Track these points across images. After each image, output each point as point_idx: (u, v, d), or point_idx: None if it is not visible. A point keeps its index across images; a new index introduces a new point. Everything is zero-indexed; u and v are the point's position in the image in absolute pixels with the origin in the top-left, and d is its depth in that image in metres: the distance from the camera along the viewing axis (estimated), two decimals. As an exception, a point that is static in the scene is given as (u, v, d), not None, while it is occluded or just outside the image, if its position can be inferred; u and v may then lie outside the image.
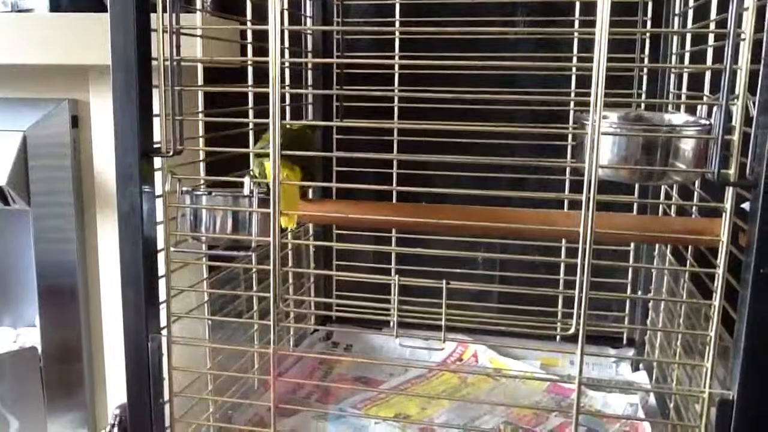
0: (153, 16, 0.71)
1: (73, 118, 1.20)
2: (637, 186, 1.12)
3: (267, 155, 0.73)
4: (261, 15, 0.97)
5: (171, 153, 0.72)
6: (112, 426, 1.05)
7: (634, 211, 1.13)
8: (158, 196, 0.75)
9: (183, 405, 0.84)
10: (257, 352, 1.01)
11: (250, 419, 0.99)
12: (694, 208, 0.92)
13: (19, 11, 1.16)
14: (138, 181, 0.71)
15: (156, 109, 0.73)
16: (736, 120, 0.64)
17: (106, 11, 0.70)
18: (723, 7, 0.80)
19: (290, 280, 1.20)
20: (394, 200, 1.13)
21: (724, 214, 0.67)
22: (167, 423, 0.78)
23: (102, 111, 1.17)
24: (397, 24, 1.20)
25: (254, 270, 0.99)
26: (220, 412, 0.96)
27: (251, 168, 0.82)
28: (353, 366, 1.18)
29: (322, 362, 1.19)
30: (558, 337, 1.15)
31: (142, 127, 0.71)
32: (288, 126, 0.82)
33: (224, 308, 0.97)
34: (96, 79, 1.17)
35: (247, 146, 0.95)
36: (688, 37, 0.99)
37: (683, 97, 0.99)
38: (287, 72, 1.11)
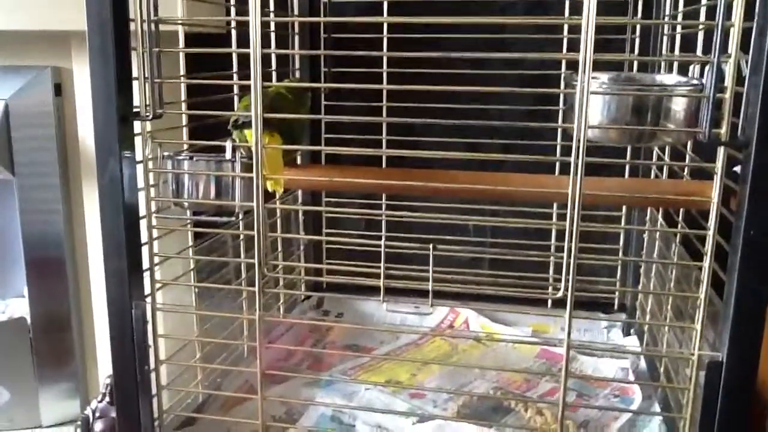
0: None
1: (56, 85, 1.18)
2: (629, 149, 1.11)
3: (245, 126, 0.72)
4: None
5: (150, 116, 0.71)
6: (104, 395, 1.05)
7: (626, 176, 1.12)
8: (139, 162, 0.73)
9: (171, 373, 0.83)
10: (247, 320, 1.00)
11: (240, 387, 0.98)
12: (685, 171, 0.91)
13: (-2, -25, 1.13)
14: (117, 146, 0.70)
15: (135, 73, 0.71)
16: (728, 79, 0.63)
17: (88, -24, 0.68)
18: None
19: (279, 248, 1.19)
20: (383, 165, 1.12)
21: (715, 175, 0.66)
22: (154, 390, 0.78)
23: (85, 78, 1.14)
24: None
25: (241, 236, 0.98)
26: (210, 379, 0.96)
27: (233, 135, 0.80)
28: (344, 334, 1.18)
29: (313, 330, 1.18)
30: (549, 304, 1.15)
31: (121, 90, 0.69)
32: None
33: (212, 276, 0.96)
34: (78, 46, 1.14)
35: (232, 111, 0.93)
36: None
37: (676, 56, 0.97)
38: (272, 36, 1.09)
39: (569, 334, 0.69)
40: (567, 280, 0.68)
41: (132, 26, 0.70)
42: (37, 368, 1.23)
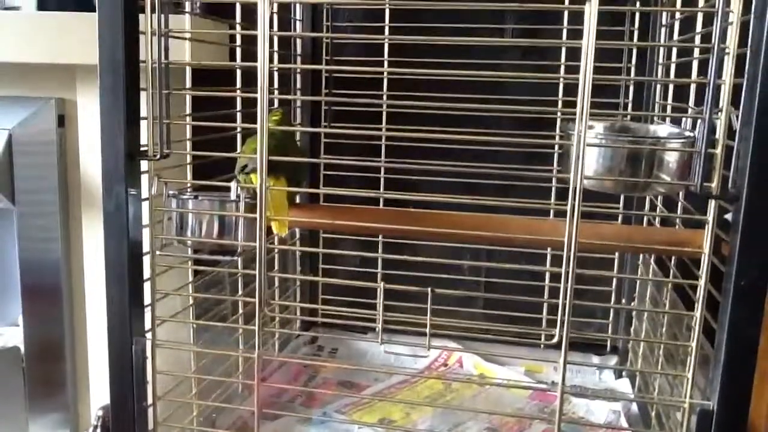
0: (141, 17, 0.71)
1: (60, 117, 1.19)
2: (621, 196, 1.13)
3: (252, 171, 0.73)
4: (250, 17, 0.97)
5: (158, 156, 0.72)
6: (95, 427, 1.04)
7: (619, 221, 1.14)
8: (144, 200, 0.75)
9: (167, 408, 0.83)
10: (242, 356, 1.00)
11: (233, 422, 0.98)
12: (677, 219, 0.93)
13: (6, 9, 1.15)
14: (124, 184, 0.71)
15: (143, 112, 0.73)
16: (720, 133, 0.65)
17: (94, 10, 0.70)
18: (709, 19, 0.81)
19: (276, 284, 1.20)
20: (380, 204, 1.13)
21: (706, 227, 0.68)
22: (150, 426, 0.78)
23: (89, 111, 1.16)
24: (387, 30, 1.20)
25: (240, 274, 0.99)
26: (204, 415, 0.96)
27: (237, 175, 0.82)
28: (338, 370, 1.18)
29: (307, 366, 1.19)
30: (542, 345, 1.15)
31: (129, 129, 0.71)
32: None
33: (209, 312, 0.96)
34: (83, 79, 1.16)
35: (235, 150, 0.95)
36: (675, 48, 1.00)
37: (669, 108, 1.00)
38: (276, 75, 1.11)
39: (564, 379, 0.70)
40: (562, 324, 0.69)
41: (141, 66, 0.72)
42: (28, 398, 1.22)
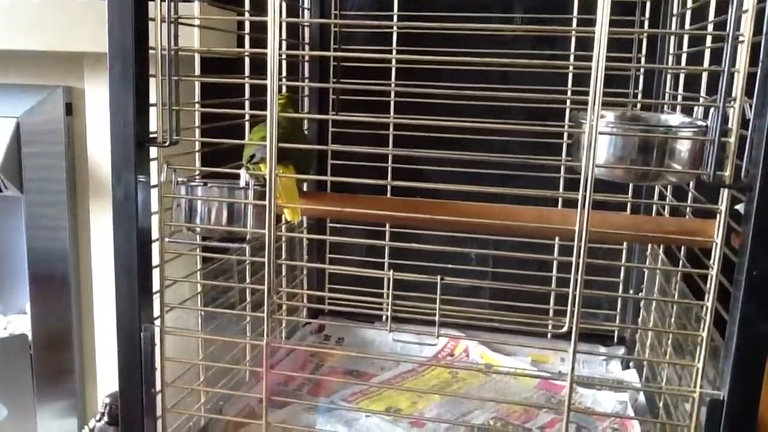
0: (151, 4, 0.71)
1: (68, 105, 1.19)
2: (631, 185, 1.13)
3: (261, 161, 0.73)
4: (258, 4, 0.96)
5: (167, 143, 0.72)
6: (102, 415, 1.05)
7: (628, 211, 1.14)
8: (153, 186, 0.74)
9: (174, 395, 0.84)
10: (249, 344, 1.01)
11: (240, 410, 0.99)
12: (687, 208, 0.92)
13: (14, -4, 1.15)
14: (133, 171, 0.71)
15: (153, 99, 0.73)
16: (733, 122, 0.64)
17: (103, -2, 0.70)
18: (721, 8, 0.80)
19: (283, 272, 1.20)
20: (388, 193, 1.13)
21: (718, 216, 0.67)
22: (158, 413, 0.78)
23: (96, 98, 1.16)
24: (395, 18, 1.20)
25: (248, 261, 0.99)
26: (212, 402, 0.96)
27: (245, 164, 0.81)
28: (345, 359, 1.18)
29: (314, 354, 1.19)
30: (549, 335, 1.15)
31: (139, 116, 0.71)
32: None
33: (217, 299, 0.97)
34: (91, 67, 1.16)
35: (243, 137, 0.95)
36: (686, 37, 0.99)
37: (680, 97, 0.99)
38: (284, 63, 1.11)
39: (573, 368, 0.70)
40: (572, 314, 0.69)
41: (151, 53, 0.72)
42: (36, 385, 1.23)
